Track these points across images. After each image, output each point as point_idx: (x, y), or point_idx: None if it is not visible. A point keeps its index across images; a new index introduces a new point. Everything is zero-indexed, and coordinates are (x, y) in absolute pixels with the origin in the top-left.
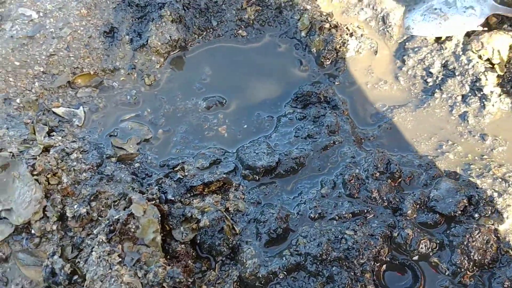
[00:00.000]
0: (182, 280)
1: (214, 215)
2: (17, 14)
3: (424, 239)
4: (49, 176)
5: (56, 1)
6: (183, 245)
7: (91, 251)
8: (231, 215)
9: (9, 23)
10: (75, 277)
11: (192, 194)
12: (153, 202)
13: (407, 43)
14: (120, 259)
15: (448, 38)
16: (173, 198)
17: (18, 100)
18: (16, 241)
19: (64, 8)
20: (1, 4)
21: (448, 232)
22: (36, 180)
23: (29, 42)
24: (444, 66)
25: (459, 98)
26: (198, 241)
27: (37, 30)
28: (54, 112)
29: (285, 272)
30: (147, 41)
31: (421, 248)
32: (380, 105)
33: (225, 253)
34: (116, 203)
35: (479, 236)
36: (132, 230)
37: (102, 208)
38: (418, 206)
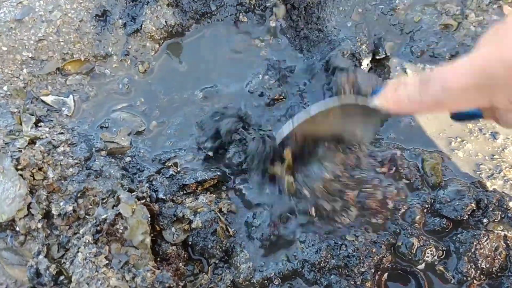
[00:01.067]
0: (171, 285)
1: (207, 216)
2: None
3: (430, 247)
4: (34, 171)
5: None
6: (174, 247)
7: (77, 252)
8: (225, 216)
9: None
10: (61, 278)
11: (184, 192)
12: (143, 201)
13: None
14: (107, 261)
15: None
16: (164, 197)
17: (5, 88)
18: (0, 239)
19: None
20: None
21: (454, 238)
22: (21, 175)
23: (17, 26)
24: (453, 56)
25: None
26: (190, 242)
27: (26, 13)
28: (42, 101)
29: (280, 279)
30: (141, 26)
31: (427, 256)
32: None
33: (218, 256)
34: (104, 201)
35: (487, 243)
36: (120, 231)
37: (90, 206)
38: (425, 210)
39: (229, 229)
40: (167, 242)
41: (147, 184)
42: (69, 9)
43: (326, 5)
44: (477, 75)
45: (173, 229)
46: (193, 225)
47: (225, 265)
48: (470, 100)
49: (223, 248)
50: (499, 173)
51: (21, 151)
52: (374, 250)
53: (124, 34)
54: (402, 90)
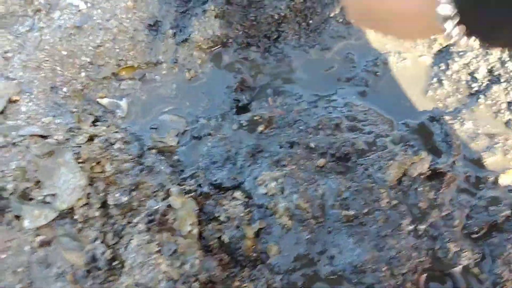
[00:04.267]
0: (216, 274)
1: (233, 232)
2: (66, 4)
3: (466, 251)
4: (93, 164)
5: None
6: (216, 240)
7: (131, 239)
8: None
9: (57, 12)
10: (115, 262)
11: (224, 193)
12: (191, 194)
13: (451, 47)
14: (159, 249)
15: None
16: (208, 191)
17: (64, 89)
18: (59, 226)
19: None
20: None
21: (489, 241)
22: (81, 167)
23: (76, 32)
24: (490, 72)
25: (504, 105)
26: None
27: (84, 20)
28: (98, 103)
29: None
30: (189, 36)
31: (463, 260)
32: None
33: (248, 264)
34: (155, 194)
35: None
36: (170, 221)
37: (142, 198)
38: (464, 214)
39: (258, 245)
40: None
41: (193, 180)
42: (124, 18)
43: None
44: None
45: (210, 226)
46: (222, 238)
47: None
48: None
49: (251, 258)
50: None
51: (80, 146)
52: (414, 254)
53: (173, 43)
54: None
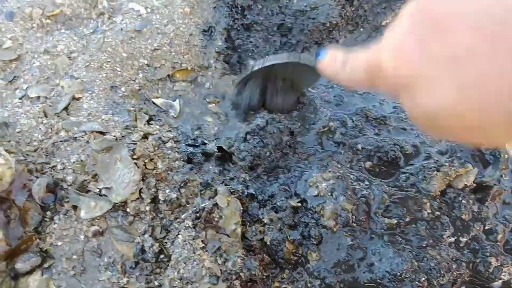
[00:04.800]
0: (257, 274)
1: (275, 235)
2: (127, 9)
3: (508, 266)
4: (146, 161)
5: None
6: (257, 241)
7: (178, 234)
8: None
9: (119, 16)
10: (162, 256)
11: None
12: (237, 195)
13: None
14: (203, 245)
15: None
16: (254, 193)
17: (123, 89)
18: (112, 217)
19: (169, 5)
20: None
21: None
22: (135, 164)
23: (136, 35)
24: None
25: None
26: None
27: (144, 25)
28: (153, 102)
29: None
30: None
31: (503, 275)
32: None
33: (288, 267)
34: (202, 192)
35: None
36: (216, 219)
37: (190, 196)
38: (508, 228)
39: (298, 250)
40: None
41: (239, 181)
42: (181, 23)
43: None
44: (365, 67)
45: (253, 227)
46: (264, 239)
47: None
48: (365, 85)
49: (292, 261)
50: None
51: (136, 143)
52: (454, 266)
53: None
54: (333, 63)
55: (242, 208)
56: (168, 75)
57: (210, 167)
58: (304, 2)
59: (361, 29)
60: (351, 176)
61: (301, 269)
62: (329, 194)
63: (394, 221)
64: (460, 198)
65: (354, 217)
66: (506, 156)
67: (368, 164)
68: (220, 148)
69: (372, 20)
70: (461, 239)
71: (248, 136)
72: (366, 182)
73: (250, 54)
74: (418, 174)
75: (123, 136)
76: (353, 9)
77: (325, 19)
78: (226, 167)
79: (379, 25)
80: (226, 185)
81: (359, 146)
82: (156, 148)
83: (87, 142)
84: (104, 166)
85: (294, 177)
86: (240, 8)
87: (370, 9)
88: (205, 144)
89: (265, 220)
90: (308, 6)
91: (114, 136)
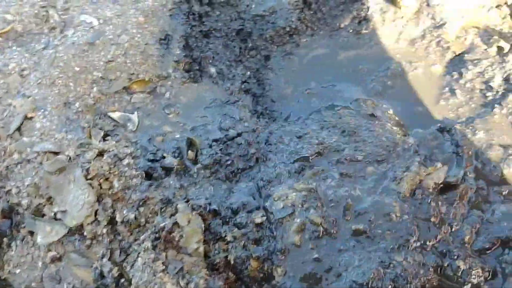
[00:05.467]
0: None
1: (240, 252)
2: (79, 21)
3: (476, 269)
4: (101, 180)
5: (115, 9)
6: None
7: (137, 257)
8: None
9: (71, 29)
10: (122, 280)
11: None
12: (198, 211)
13: (466, 55)
14: (164, 267)
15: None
16: (217, 208)
17: (77, 105)
18: (69, 242)
19: (123, 15)
20: (65, 11)
21: (501, 258)
22: (90, 184)
23: (89, 48)
24: (506, 80)
25: None
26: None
27: (97, 36)
28: (110, 117)
29: None
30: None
31: (473, 278)
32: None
33: (255, 284)
34: (163, 210)
35: None
36: (177, 239)
37: (150, 215)
38: (475, 229)
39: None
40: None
41: (202, 197)
42: (135, 33)
43: None
44: None
45: (216, 245)
46: (228, 258)
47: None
48: None
49: (258, 278)
50: None
51: (90, 162)
52: (421, 272)
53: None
54: None
55: (204, 226)
56: (125, 87)
57: (171, 182)
58: (262, 6)
59: (321, 32)
60: (322, 185)
61: (267, 286)
62: (300, 206)
63: (361, 226)
64: (428, 200)
65: (322, 227)
66: (470, 152)
67: (341, 169)
68: (189, 143)
69: (331, 22)
70: (428, 242)
71: (214, 143)
72: (336, 189)
73: (210, 61)
74: (386, 175)
75: (77, 155)
76: (311, 12)
77: (284, 23)
78: (188, 180)
79: (338, 27)
80: (188, 200)
81: (332, 155)
82: (111, 166)
83: (40, 163)
84: (58, 188)
85: (261, 188)
86: (197, 15)
87: (328, 12)
88: (164, 157)
89: (229, 238)
90: (267, 11)
91: (68, 155)
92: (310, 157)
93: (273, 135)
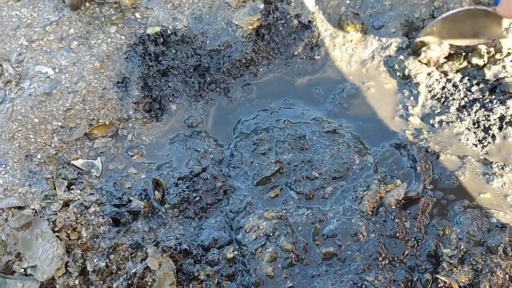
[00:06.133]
0: None
1: None
2: (34, 72)
3: (447, 282)
4: (69, 231)
5: (70, 57)
6: None
7: None
8: None
9: (27, 81)
10: None
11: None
12: (169, 253)
13: (413, 72)
14: None
15: None
16: (187, 248)
17: (39, 156)
18: None
19: (78, 62)
20: (19, 63)
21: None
22: (58, 236)
23: (46, 98)
24: (451, 94)
25: (469, 125)
26: None
27: (53, 86)
28: (73, 165)
29: None
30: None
31: None
32: None
33: None
34: (133, 255)
35: (500, 273)
36: (149, 283)
37: (121, 261)
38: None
39: None
40: None
41: (172, 238)
42: (92, 79)
43: None
44: None
45: (190, 285)
46: None
47: None
48: None
49: None
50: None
51: (56, 214)
52: None
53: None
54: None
55: (175, 267)
56: (86, 134)
57: (139, 225)
58: (217, 42)
59: (276, 61)
60: (290, 212)
61: None
62: (271, 234)
63: (331, 249)
64: (392, 217)
65: (293, 253)
66: (427, 165)
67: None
68: (155, 184)
69: (284, 51)
70: (396, 259)
71: (180, 181)
72: (304, 214)
73: (170, 98)
74: (347, 195)
75: (42, 208)
76: (265, 43)
77: (240, 55)
78: (156, 221)
79: (292, 55)
80: (157, 243)
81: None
82: (78, 215)
83: (6, 220)
84: (26, 243)
85: (231, 220)
86: (153, 55)
87: (281, 41)
88: (131, 201)
89: (202, 277)
90: (222, 45)
91: (33, 209)
92: (272, 177)
93: (235, 158)
